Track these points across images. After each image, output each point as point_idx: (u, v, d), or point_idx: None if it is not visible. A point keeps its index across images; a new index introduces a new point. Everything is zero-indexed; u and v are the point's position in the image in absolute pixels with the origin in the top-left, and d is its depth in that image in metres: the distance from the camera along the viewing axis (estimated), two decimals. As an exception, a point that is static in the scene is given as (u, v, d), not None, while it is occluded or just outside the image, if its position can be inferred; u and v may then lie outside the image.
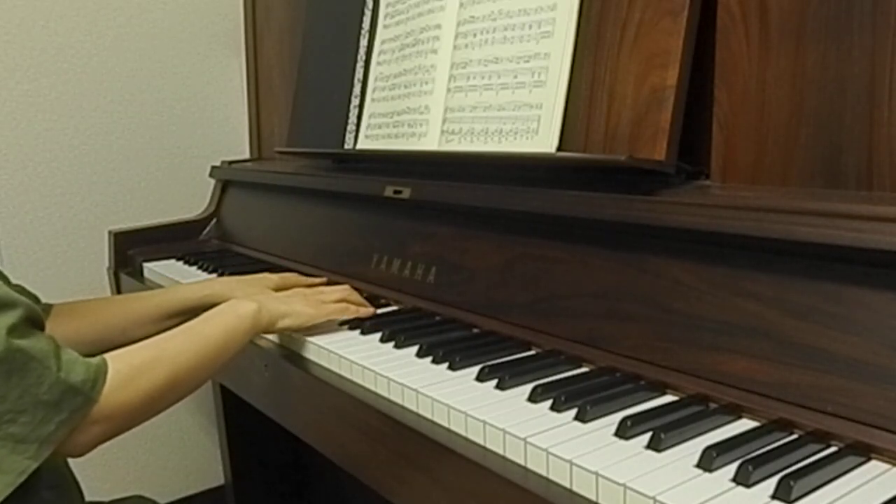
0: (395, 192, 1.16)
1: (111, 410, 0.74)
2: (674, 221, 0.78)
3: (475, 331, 0.99)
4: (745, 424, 0.69)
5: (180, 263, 1.58)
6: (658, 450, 0.64)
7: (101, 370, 0.74)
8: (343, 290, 1.06)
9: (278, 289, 1.18)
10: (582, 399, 0.73)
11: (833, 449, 0.64)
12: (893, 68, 0.73)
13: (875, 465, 0.62)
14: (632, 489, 0.58)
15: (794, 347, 0.69)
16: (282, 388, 1.03)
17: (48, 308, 1.01)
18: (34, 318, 0.74)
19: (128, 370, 0.77)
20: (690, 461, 0.62)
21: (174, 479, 2.00)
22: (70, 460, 0.88)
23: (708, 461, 0.61)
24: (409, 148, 1.19)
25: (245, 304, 0.95)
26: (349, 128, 1.36)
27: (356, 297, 1.07)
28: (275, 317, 0.96)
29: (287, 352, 1.02)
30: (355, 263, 1.24)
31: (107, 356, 0.76)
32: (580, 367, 0.85)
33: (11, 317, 0.70)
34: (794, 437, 0.66)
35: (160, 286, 1.45)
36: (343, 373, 0.91)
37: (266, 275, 1.22)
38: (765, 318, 0.71)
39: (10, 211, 1.73)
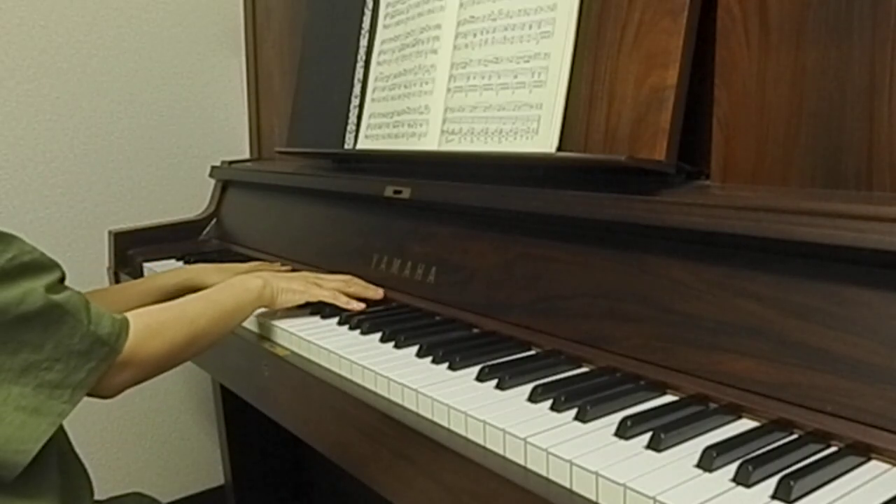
0: (395, 192, 1.17)
1: (140, 358, 0.83)
2: (674, 221, 0.78)
3: (475, 331, 0.99)
4: (745, 424, 0.69)
5: (180, 263, 1.58)
6: (658, 450, 0.64)
7: (125, 325, 0.82)
8: (340, 282, 1.13)
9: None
10: (582, 399, 0.73)
11: (833, 449, 0.64)
12: (893, 68, 0.73)
13: (875, 465, 0.62)
14: (632, 489, 0.58)
15: (794, 347, 0.69)
16: (282, 388, 1.03)
17: None
18: (63, 277, 0.81)
19: (156, 325, 0.87)
20: (690, 461, 0.62)
21: (174, 479, 2.00)
22: (78, 453, 0.90)
23: (708, 461, 0.61)
24: (409, 148, 1.19)
25: (253, 279, 1.06)
26: (349, 128, 1.36)
27: (355, 288, 1.13)
28: (276, 292, 1.07)
29: (287, 352, 1.02)
30: (355, 263, 1.24)
31: (135, 312, 0.86)
32: (580, 367, 0.85)
33: (49, 277, 0.77)
34: (794, 437, 0.66)
35: (160, 286, 1.45)
36: (343, 373, 0.91)
37: (236, 264, 1.35)
38: (765, 318, 0.71)
39: (10, 211, 1.73)
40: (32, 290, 0.74)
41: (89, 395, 0.79)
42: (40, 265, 0.77)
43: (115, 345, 0.80)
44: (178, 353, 0.90)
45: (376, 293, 1.13)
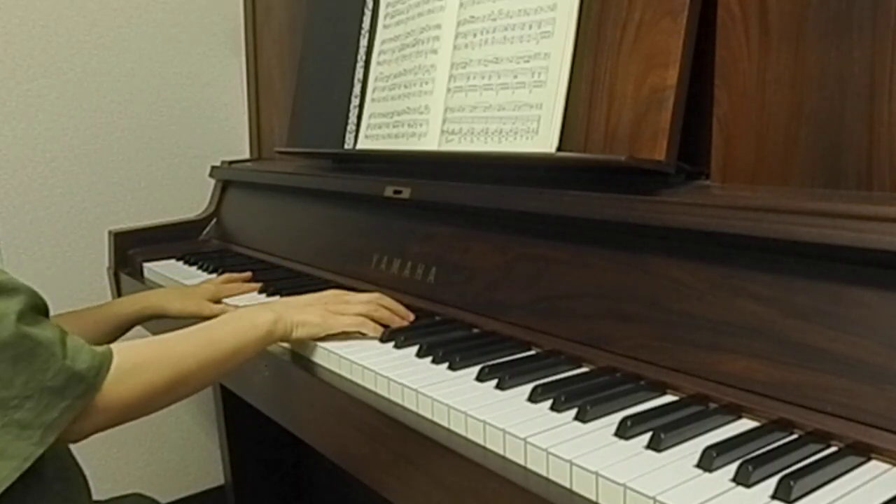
0: (395, 192, 1.16)
1: (109, 401, 0.75)
2: (674, 221, 0.78)
3: (475, 331, 0.99)
4: (745, 424, 0.69)
5: (180, 263, 1.58)
6: (658, 450, 0.64)
7: (106, 359, 0.75)
8: (367, 304, 1.01)
9: (213, 299, 1.21)
10: (582, 399, 0.73)
11: (833, 449, 0.64)
12: (893, 68, 0.73)
13: (875, 465, 0.62)
14: (632, 489, 0.58)
15: (794, 347, 0.69)
16: (282, 387, 1.03)
17: None
18: (38, 305, 0.75)
19: (130, 365, 0.77)
20: (690, 461, 0.62)
21: (174, 479, 2.00)
22: (75, 454, 0.89)
23: (708, 461, 0.61)
24: (409, 148, 1.19)
25: (264, 313, 0.94)
26: (349, 128, 1.36)
27: (382, 311, 1.01)
28: (290, 327, 0.95)
29: (287, 352, 1.02)
30: (355, 263, 1.24)
31: (112, 346, 0.77)
32: (580, 367, 0.85)
33: (18, 302, 0.71)
34: (794, 437, 0.66)
35: (160, 286, 1.45)
36: (343, 373, 0.91)
37: (203, 286, 1.24)
38: (765, 318, 0.71)
39: (10, 211, 1.73)
40: (3, 315, 0.68)
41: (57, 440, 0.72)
42: (9, 288, 0.71)
43: (94, 381, 0.73)
44: (156, 397, 0.80)
45: (406, 318, 1.02)
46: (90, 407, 0.73)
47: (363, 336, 0.98)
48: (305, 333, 0.96)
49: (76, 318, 1.10)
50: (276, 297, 1.20)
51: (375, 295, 1.04)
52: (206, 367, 0.85)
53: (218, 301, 1.22)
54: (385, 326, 0.99)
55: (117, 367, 0.76)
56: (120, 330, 1.17)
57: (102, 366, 0.74)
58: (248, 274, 1.33)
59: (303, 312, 0.97)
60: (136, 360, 0.79)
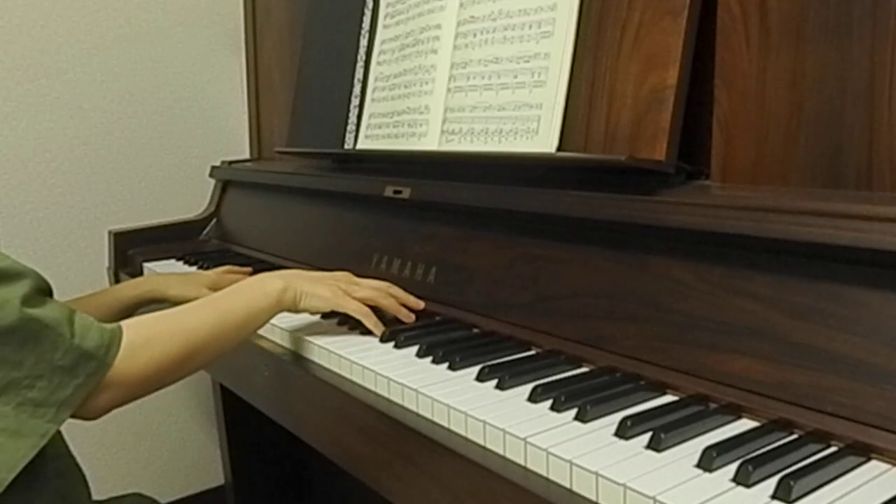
0: (395, 192, 1.17)
1: (122, 377, 0.76)
2: (674, 221, 0.78)
3: (475, 331, 0.99)
4: (745, 424, 0.69)
5: (180, 263, 1.58)
6: (658, 450, 0.64)
7: (116, 336, 0.76)
8: (376, 290, 1.00)
9: (213, 287, 1.20)
10: (582, 399, 0.73)
11: (833, 449, 0.64)
12: (893, 69, 0.73)
13: (875, 465, 0.62)
14: (632, 489, 0.58)
15: (794, 347, 0.69)
16: (282, 387, 1.03)
17: None
18: (42, 287, 0.76)
19: (142, 340, 0.79)
20: (690, 461, 0.62)
21: (174, 479, 2.00)
22: (74, 454, 0.89)
23: (708, 461, 0.61)
24: (409, 148, 1.19)
25: (272, 281, 0.95)
26: (349, 128, 1.36)
27: (389, 300, 1.00)
28: (299, 296, 0.95)
29: (287, 352, 1.02)
30: (355, 263, 1.24)
31: (122, 323, 0.79)
32: (580, 367, 0.85)
33: (23, 286, 0.72)
34: (794, 437, 0.66)
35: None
36: (343, 373, 0.91)
37: (201, 273, 1.28)
38: (765, 318, 0.71)
39: (10, 211, 1.73)
40: (6, 301, 0.69)
41: (72, 416, 0.74)
42: (14, 273, 0.72)
43: (105, 358, 0.74)
44: (172, 370, 0.81)
45: (416, 307, 1.02)
46: (105, 383, 0.75)
47: (364, 331, 0.98)
48: (312, 305, 0.97)
49: (78, 303, 1.11)
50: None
51: (385, 284, 1.04)
52: (218, 337, 0.86)
53: (214, 289, 1.22)
54: (392, 321, 1.00)
55: (129, 342, 0.77)
56: (121, 314, 1.18)
57: (112, 342, 0.75)
58: (250, 269, 1.34)
59: (312, 284, 0.97)
60: (148, 334, 0.80)
